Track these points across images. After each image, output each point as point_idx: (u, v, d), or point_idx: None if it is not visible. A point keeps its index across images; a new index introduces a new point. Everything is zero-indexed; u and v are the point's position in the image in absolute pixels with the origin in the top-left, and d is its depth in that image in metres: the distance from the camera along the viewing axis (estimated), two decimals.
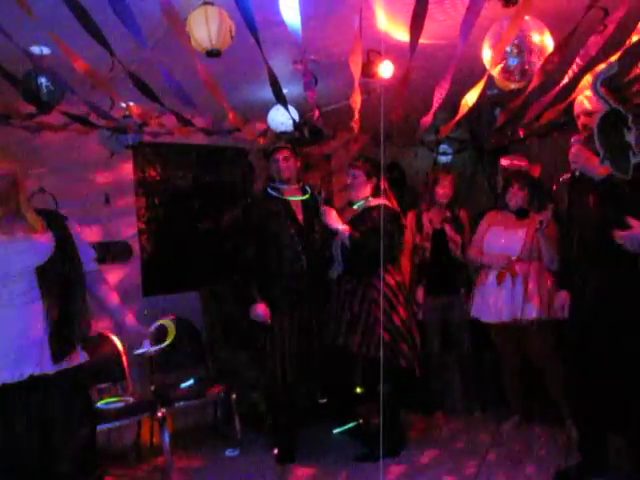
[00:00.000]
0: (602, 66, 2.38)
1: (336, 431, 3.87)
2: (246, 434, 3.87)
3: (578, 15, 2.44)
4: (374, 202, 3.57)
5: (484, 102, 3.99)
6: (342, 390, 3.76)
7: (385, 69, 3.16)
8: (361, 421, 3.80)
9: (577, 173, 2.80)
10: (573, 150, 2.79)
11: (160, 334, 2.68)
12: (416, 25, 2.18)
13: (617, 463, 3.02)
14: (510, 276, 3.63)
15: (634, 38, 2.43)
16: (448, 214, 4.07)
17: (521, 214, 3.72)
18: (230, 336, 4.34)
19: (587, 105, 2.79)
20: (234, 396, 3.85)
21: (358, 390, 3.95)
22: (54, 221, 2.48)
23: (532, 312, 3.55)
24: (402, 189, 4.83)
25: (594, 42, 2.55)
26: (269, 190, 3.71)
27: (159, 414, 3.51)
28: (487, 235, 3.80)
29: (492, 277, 3.72)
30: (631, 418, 2.86)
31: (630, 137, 1.66)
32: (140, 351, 2.62)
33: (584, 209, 2.86)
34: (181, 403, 3.74)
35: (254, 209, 3.67)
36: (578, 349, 2.98)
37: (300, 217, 3.64)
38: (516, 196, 3.72)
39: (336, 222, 3.50)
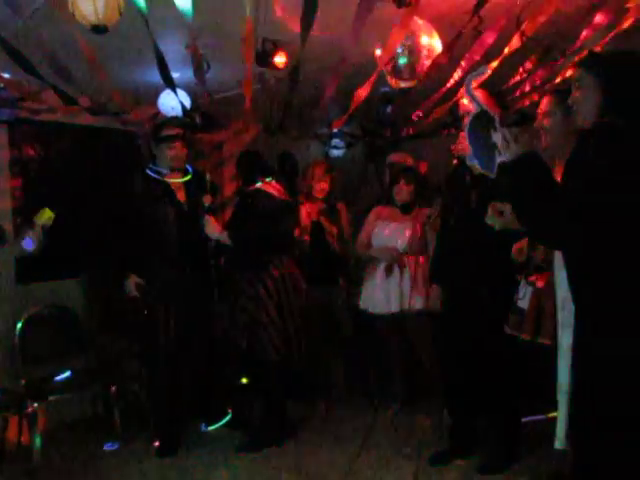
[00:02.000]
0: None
1: (210, 428, 3.81)
2: (128, 427, 3.73)
3: (464, 20, 2.57)
4: (253, 188, 3.58)
5: (376, 99, 4.10)
6: (219, 382, 3.75)
7: (279, 59, 3.15)
8: (230, 411, 3.81)
9: (455, 161, 2.92)
10: (459, 139, 2.92)
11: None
12: (307, 17, 2.18)
13: (483, 443, 3.23)
14: (398, 268, 3.76)
15: (513, 46, 2.59)
16: (324, 206, 4.13)
17: (406, 209, 3.87)
18: (112, 325, 4.17)
19: (470, 106, 2.94)
20: (114, 388, 3.69)
21: (244, 380, 3.98)
22: None
23: (418, 303, 3.70)
24: (294, 180, 4.84)
25: (478, 47, 2.70)
26: (148, 172, 3.56)
27: (29, 410, 3.30)
28: (375, 229, 3.93)
29: (381, 270, 3.84)
30: (494, 402, 3.08)
31: (496, 138, 1.76)
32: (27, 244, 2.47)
33: (460, 199, 3.02)
34: (56, 397, 3.53)
35: (132, 192, 3.51)
36: (447, 339, 3.17)
37: (182, 199, 3.55)
38: (402, 191, 3.85)
39: (214, 230, 3.49)
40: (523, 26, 2.38)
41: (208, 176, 3.65)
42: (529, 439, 3.23)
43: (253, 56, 2.73)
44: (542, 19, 2.36)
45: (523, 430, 3.20)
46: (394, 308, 3.74)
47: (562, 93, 2.32)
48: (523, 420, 3.23)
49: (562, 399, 2.41)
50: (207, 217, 3.51)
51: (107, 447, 3.62)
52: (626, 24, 2.73)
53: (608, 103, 1.85)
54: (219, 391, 3.83)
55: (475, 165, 1.91)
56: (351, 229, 4.19)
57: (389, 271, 3.80)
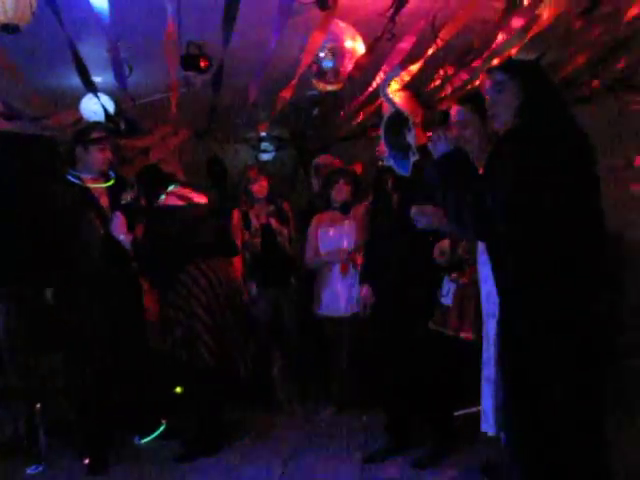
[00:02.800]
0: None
1: (144, 440, 3.68)
2: (54, 447, 3.55)
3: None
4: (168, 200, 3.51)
5: (304, 103, 4.13)
6: (151, 392, 3.65)
7: (205, 63, 3.12)
8: (164, 422, 3.72)
9: (381, 163, 2.97)
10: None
11: None
12: (228, 19, 2.16)
13: (419, 440, 3.26)
14: (353, 267, 3.79)
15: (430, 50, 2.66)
16: (272, 208, 4.12)
17: (345, 209, 3.90)
18: (36, 340, 3.98)
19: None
20: (38, 406, 3.51)
21: (178, 390, 3.89)
22: None
23: None
24: (223, 184, 4.80)
25: (398, 51, 2.76)
26: (69, 177, 3.43)
27: None
28: (319, 236, 3.94)
29: (336, 272, 3.86)
30: (426, 398, 3.14)
31: (410, 138, 1.81)
32: None
33: (386, 201, 3.08)
34: None
35: (52, 198, 3.38)
36: (377, 338, 3.21)
37: (105, 205, 3.44)
38: (342, 191, 3.87)
39: (120, 231, 3.38)
40: (439, 32, 2.44)
41: (131, 181, 3.55)
42: (462, 432, 3.31)
43: (177, 59, 2.68)
44: (457, 24, 2.43)
45: (456, 423, 3.28)
46: (357, 308, 3.66)
47: (474, 100, 2.40)
48: (455, 414, 3.32)
49: (488, 388, 2.48)
50: (117, 214, 3.38)
51: (30, 471, 3.40)
52: (537, 30, 2.87)
53: (526, 107, 1.96)
54: (152, 402, 3.73)
55: (392, 165, 1.96)
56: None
57: (345, 272, 3.83)
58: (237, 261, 4.02)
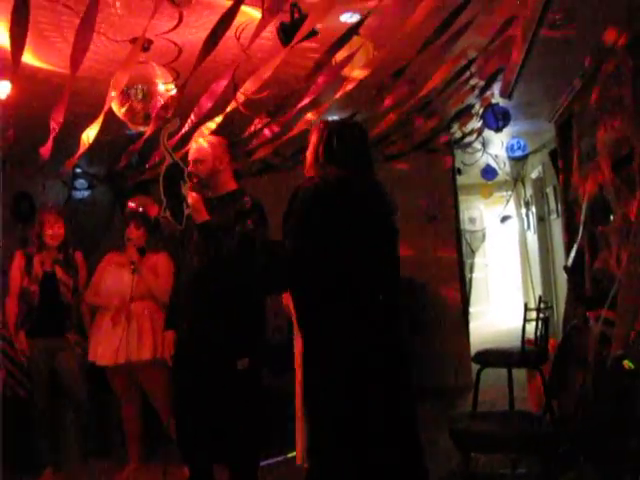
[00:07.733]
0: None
1: None
2: None
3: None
4: None
5: (121, 142, 3.97)
6: None
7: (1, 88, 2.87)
8: None
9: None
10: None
11: None
12: (16, 43, 2.00)
13: None
14: (125, 317, 3.62)
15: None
16: (60, 256, 3.83)
17: (140, 254, 3.73)
18: None
19: (194, 155, 2.92)
20: None
21: None
22: None
23: (146, 353, 3.58)
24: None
25: (208, 98, 2.77)
26: None
27: None
28: (104, 277, 3.76)
29: (108, 318, 3.66)
30: (230, 448, 3.03)
31: (185, 190, 1.83)
32: None
33: (188, 250, 3.03)
34: None
35: None
36: (179, 386, 3.10)
37: None
38: (131, 237, 3.72)
39: None
40: (239, 87, 2.48)
41: None
42: None
43: None
44: (258, 81, 2.50)
45: (261, 473, 3.21)
46: (122, 359, 3.56)
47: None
48: (262, 464, 3.25)
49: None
50: None
51: None
52: (345, 89, 3.05)
53: (322, 163, 2.14)
54: None
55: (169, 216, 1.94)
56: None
57: (116, 320, 3.62)
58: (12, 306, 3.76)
